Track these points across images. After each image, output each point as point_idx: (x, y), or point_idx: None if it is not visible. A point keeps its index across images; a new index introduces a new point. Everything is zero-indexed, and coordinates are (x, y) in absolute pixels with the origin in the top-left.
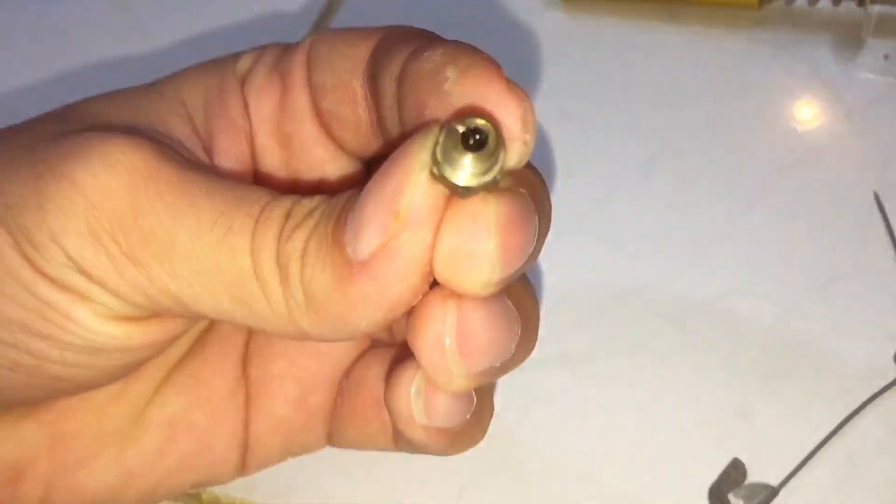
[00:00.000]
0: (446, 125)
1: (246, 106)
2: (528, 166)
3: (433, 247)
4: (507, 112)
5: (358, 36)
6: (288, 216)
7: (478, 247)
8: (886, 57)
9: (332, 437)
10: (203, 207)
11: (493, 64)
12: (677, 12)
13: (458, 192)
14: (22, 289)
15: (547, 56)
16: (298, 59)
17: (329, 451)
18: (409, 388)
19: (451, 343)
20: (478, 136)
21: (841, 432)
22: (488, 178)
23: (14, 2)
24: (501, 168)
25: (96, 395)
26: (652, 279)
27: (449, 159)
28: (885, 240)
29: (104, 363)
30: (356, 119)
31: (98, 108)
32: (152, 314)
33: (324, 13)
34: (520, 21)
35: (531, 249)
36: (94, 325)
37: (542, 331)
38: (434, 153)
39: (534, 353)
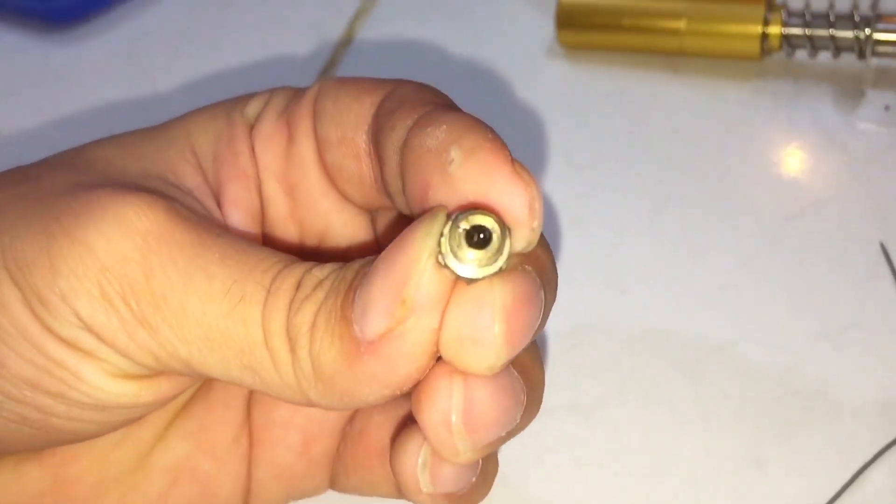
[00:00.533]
0: (451, 218)
1: (253, 152)
2: (538, 249)
3: (439, 330)
4: (513, 200)
5: (363, 90)
6: (298, 286)
7: (483, 332)
8: (887, 108)
9: (335, 482)
10: (215, 273)
11: (498, 145)
12: (680, 64)
13: (464, 280)
14: (31, 346)
15: (551, 105)
16: (305, 110)
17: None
18: (416, 459)
19: (457, 420)
20: (482, 235)
21: (856, 483)
22: (493, 269)
23: (20, 47)
24: (507, 258)
25: (100, 441)
26: (661, 327)
27: (455, 251)
28: (893, 289)
29: (110, 419)
30: (360, 174)
31: (109, 154)
32: (161, 373)
33: (331, 59)
34: (523, 71)
35: (537, 325)
36: (102, 383)
37: (554, 378)
38: (439, 243)
39: (545, 401)
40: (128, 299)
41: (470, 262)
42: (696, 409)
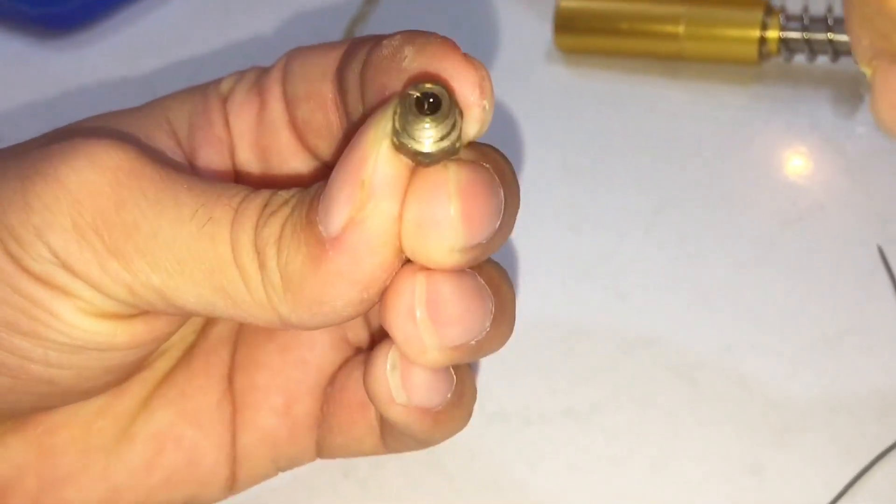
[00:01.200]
0: (402, 93)
1: (227, 122)
2: (494, 150)
3: (400, 218)
4: (462, 79)
5: (329, 47)
6: (265, 206)
7: (439, 212)
8: None
9: (321, 448)
10: (184, 200)
11: (448, 40)
12: (678, 68)
13: (420, 161)
14: (5, 286)
15: (549, 109)
16: (275, 75)
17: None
18: (385, 364)
19: (422, 313)
20: (432, 100)
21: (854, 487)
22: (447, 143)
23: (20, 53)
24: (460, 135)
25: (82, 410)
26: (659, 332)
27: (408, 127)
28: (891, 294)
29: (87, 364)
30: (328, 124)
31: (86, 124)
32: (136, 312)
33: None
34: (522, 74)
35: (496, 221)
36: (77, 321)
37: (550, 384)
38: (394, 123)
39: (542, 406)
40: (100, 230)
41: (423, 131)
42: (693, 415)
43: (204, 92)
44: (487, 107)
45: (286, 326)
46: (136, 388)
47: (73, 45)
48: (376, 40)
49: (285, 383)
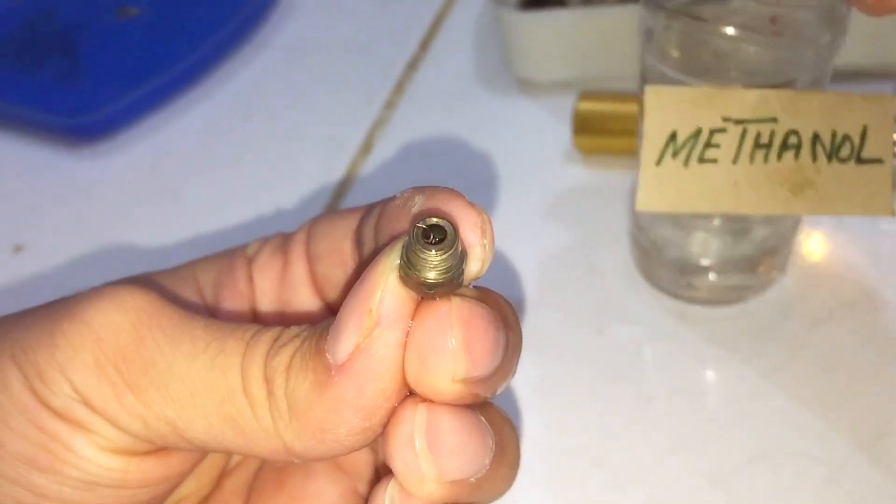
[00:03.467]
0: (410, 227)
1: (251, 280)
2: (497, 295)
3: (404, 346)
4: (465, 221)
5: (350, 211)
6: (276, 339)
7: (441, 342)
8: None
9: None
10: (199, 335)
11: (454, 190)
12: None
13: (426, 293)
14: (27, 422)
15: (569, 208)
16: (299, 237)
17: None
18: (384, 497)
19: (420, 442)
20: (438, 233)
21: None
22: (451, 274)
23: (46, 161)
24: (463, 270)
25: None
26: (691, 438)
27: (414, 259)
28: None
29: (99, 500)
30: (346, 278)
31: (120, 282)
32: (149, 448)
33: (350, 167)
34: (542, 175)
35: (498, 356)
36: (91, 455)
37: (583, 496)
38: (402, 257)
39: None
40: (119, 366)
41: (428, 263)
42: None
43: (231, 254)
44: (487, 246)
45: (291, 456)
46: None
47: (99, 153)
48: (392, 198)
49: None
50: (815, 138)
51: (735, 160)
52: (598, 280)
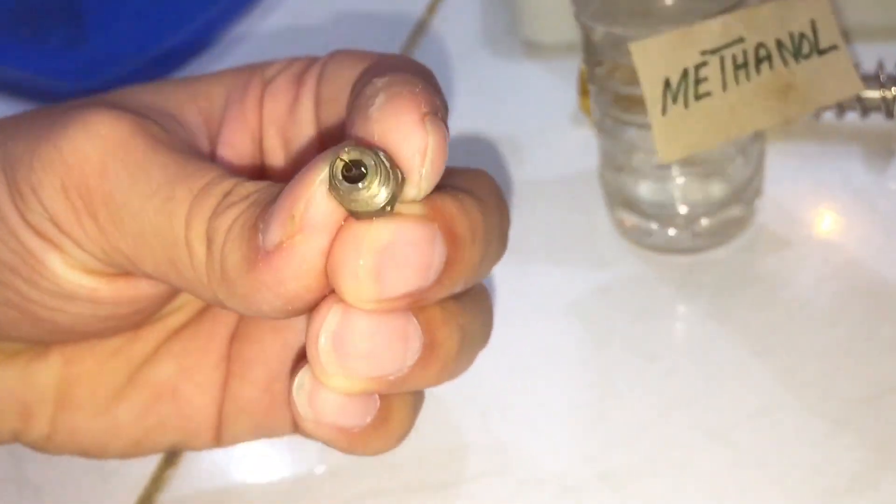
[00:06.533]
0: (340, 152)
1: (261, 106)
2: (457, 201)
3: (327, 254)
4: (408, 143)
5: (361, 57)
6: (227, 194)
7: (350, 265)
8: None
9: (297, 425)
10: (154, 176)
11: (418, 96)
12: None
13: (352, 213)
14: (9, 233)
15: (575, 172)
16: (314, 72)
17: None
18: (295, 381)
19: (326, 343)
20: (360, 169)
21: None
22: (373, 207)
23: None
24: (391, 197)
25: (99, 348)
26: (693, 395)
27: (339, 184)
28: None
29: (80, 311)
30: (342, 131)
31: (135, 90)
32: (116, 271)
33: None
34: (547, 139)
35: (426, 278)
36: (62, 272)
37: (584, 451)
38: (331, 172)
39: (576, 473)
40: (82, 194)
41: (350, 195)
42: (733, 479)
43: (249, 72)
44: (427, 173)
45: (223, 307)
46: (149, 337)
47: None
48: (393, 64)
49: (270, 361)
50: (779, 45)
51: (724, 87)
52: (601, 239)
